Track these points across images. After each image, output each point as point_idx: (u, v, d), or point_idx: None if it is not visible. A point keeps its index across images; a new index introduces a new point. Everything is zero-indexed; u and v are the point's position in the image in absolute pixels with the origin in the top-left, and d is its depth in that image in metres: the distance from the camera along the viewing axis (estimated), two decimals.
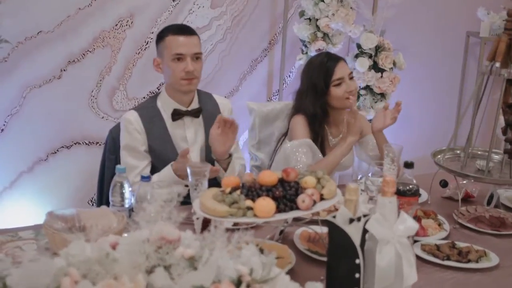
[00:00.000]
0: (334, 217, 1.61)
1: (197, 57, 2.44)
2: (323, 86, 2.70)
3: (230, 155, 2.47)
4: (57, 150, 3.49)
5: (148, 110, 2.49)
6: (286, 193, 1.73)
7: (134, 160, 2.42)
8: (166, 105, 2.49)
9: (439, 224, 2.19)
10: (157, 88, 3.66)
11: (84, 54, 3.44)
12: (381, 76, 3.79)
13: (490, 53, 2.25)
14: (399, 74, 3.87)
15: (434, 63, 4.45)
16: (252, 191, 1.74)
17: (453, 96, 4.62)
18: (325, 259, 1.86)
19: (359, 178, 2.35)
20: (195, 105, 2.52)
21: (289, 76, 4.07)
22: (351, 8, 3.66)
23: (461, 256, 1.94)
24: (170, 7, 3.59)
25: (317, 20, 3.64)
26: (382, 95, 3.86)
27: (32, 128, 3.40)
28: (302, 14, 3.72)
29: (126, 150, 2.44)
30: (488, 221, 2.25)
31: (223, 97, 2.73)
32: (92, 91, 3.51)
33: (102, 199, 2.61)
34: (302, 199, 1.70)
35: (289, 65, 4.04)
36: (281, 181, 1.78)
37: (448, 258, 1.94)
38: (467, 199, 2.49)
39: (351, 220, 1.60)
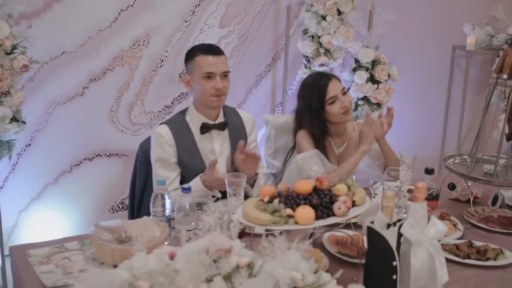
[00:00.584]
0: (372, 222, 1.60)
1: (225, 75, 2.43)
2: (317, 106, 2.65)
3: (256, 173, 2.47)
4: (80, 162, 3.45)
5: (177, 124, 2.47)
6: (322, 201, 1.72)
7: (165, 171, 2.40)
8: (194, 119, 2.48)
9: (454, 225, 2.20)
10: (171, 102, 3.64)
11: (104, 73, 3.41)
12: (377, 88, 3.80)
13: (497, 66, 2.26)
14: (393, 85, 3.88)
15: (423, 74, 4.49)
16: (290, 199, 1.73)
17: (440, 105, 4.66)
18: (355, 261, 1.87)
19: (371, 183, 2.34)
20: (221, 119, 2.51)
21: (291, 89, 4.07)
22: (350, 25, 3.67)
23: (479, 255, 1.95)
24: (183, 27, 3.58)
25: (319, 37, 3.64)
26: (378, 105, 3.87)
27: (57, 142, 3.37)
28: (305, 32, 3.72)
29: (158, 162, 2.42)
30: (497, 220, 2.27)
31: (246, 112, 2.72)
32: (112, 107, 3.48)
33: (134, 208, 2.59)
34: (338, 206, 1.70)
35: (291, 79, 4.04)
36: (315, 189, 1.78)
37: (468, 257, 1.94)
38: (473, 200, 2.49)
39: (388, 225, 1.59)
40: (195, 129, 2.47)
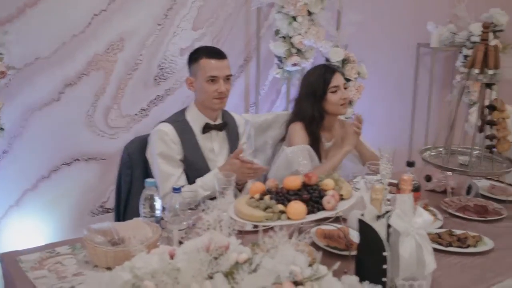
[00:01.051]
0: (362, 215, 1.64)
1: (227, 78, 2.47)
2: (321, 91, 2.81)
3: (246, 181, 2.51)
4: (58, 168, 3.41)
5: (180, 123, 2.51)
6: (311, 196, 1.76)
7: (170, 168, 2.43)
8: (196, 119, 2.52)
9: (434, 215, 2.26)
10: (147, 105, 3.63)
11: (79, 77, 3.38)
12: (348, 86, 3.86)
13: (469, 61, 2.34)
14: (363, 82, 3.95)
15: (391, 71, 4.59)
16: (281, 195, 1.77)
17: (408, 100, 4.77)
18: (345, 253, 1.91)
19: (351, 177, 2.40)
20: (220, 120, 2.57)
21: (263, 89, 4.11)
22: (320, 26, 3.72)
23: (460, 242, 2.01)
24: (156, 30, 3.57)
25: (291, 37, 3.68)
26: (349, 102, 3.93)
27: (34, 148, 3.31)
28: (277, 32, 3.75)
29: (162, 158, 2.43)
30: (473, 209, 2.34)
31: (236, 113, 2.77)
32: (88, 111, 3.45)
33: (120, 210, 2.59)
34: (328, 201, 1.74)
35: (263, 79, 4.08)
36: (304, 185, 1.81)
37: (450, 245, 2.01)
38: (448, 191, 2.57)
39: (378, 217, 1.63)
40: (196, 128, 2.52)
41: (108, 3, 3.36)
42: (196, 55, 2.50)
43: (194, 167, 2.46)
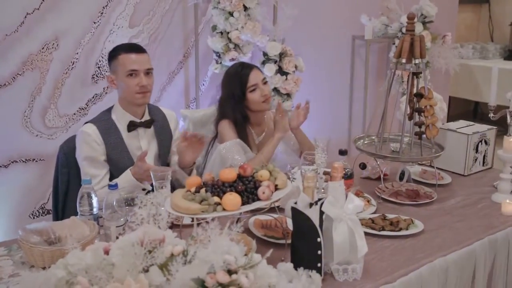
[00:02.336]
0: (295, 203, 1.67)
1: (148, 72, 2.45)
2: (239, 93, 2.76)
3: (194, 163, 2.49)
4: None
5: (104, 123, 2.46)
6: (246, 187, 1.77)
7: (95, 169, 2.38)
8: (121, 118, 2.48)
9: (368, 201, 2.32)
10: (86, 104, 3.57)
11: (14, 77, 3.29)
12: (286, 79, 3.91)
13: (396, 52, 2.40)
14: (301, 75, 4.00)
15: (328, 63, 4.66)
16: (216, 188, 1.77)
17: (345, 91, 4.86)
18: (281, 242, 1.94)
19: (289, 168, 2.42)
20: (147, 117, 2.54)
21: (203, 84, 4.10)
22: (256, 21, 3.74)
23: (393, 226, 2.07)
24: (92, 29, 3.51)
25: (228, 33, 3.69)
26: (288, 95, 3.99)
27: None
28: (214, 28, 3.76)
29: (86, 161, 2.39)
30: (405, 194, 2.42)
31: (169, 109, 2.74)
32: (25, 112, 3.36)
33: (58, 210, 2.54)
34: (262, 191, 1.76)
35: (203, 75, 4.07)
36: (239, 176, 1.83)
37: (383, 229, 2.06)
38: (383, 177, 2.63)
39: (311, 205, 1.67)
40: (121, 127, 2.47)
41: (40, 1, 3.28)
42: (114, 52, 2.46)
43: (119, 166, 2.41)
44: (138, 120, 2.49)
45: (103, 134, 2.41)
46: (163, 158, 2.59)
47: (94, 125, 2.43)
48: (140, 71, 2.40)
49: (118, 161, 2.42)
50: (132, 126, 2.47)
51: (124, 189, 2.06)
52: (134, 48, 2.47)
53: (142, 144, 2.50)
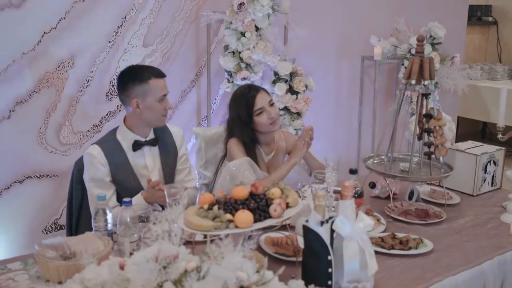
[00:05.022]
0: (306, 221, 1.69)
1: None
2: (246, 116, 2.74)
3: None
4: (10, 185, 3.36)
5: (109, 143, 2.49)
6: (258, 205, 1.79)
7: (100, 190, 2.40)
8: (125, 138, 2.50)
9: (377, 220, 2.33)
10: (99, 121, 3.61)
11: (30, 95, 3.35)
12: (296, 98, 3.94)
13: (406, 73, 2.42)
14: (311, 95, 4.03)
15: (337, 83, 4.70)
16: (229, 205, 1.79)
17: (354, 110, 4.88)
18: (292, 259, 1.95)
19: (299, 186, 2.44)
20: (151, 135, 2.56)
21: (215, 103, 4.14)
22: (268, 41, 3.78)
23: (402, 245, 2.08)
24: (107, 47, 3.57)
25: (240, 52, 3.73)
26: (298, 114, 4.01)
27: None
28: (226, 48, 3.80)
29: (92, 182, 2.43)
30: (415, 213, 2.42)
31: (176, 126, 2.77)
32: (40, 128, 3.41)
33: (72, 225, 2.57)
34: (274, 209, 1.78)
35: (214, 93, 4.11)
36: (251, 194, 1.85)
37: (393, 248, 2.07)
38: (392, 196, 2.64)
39: (322, 223, 1.68)
40: (126, 147, 2.50)
41: (57, 20, 3.34)
42: (143, 76, 2.46)
43: (124, 185, 2.45)
44: (143, 139, 2.52)
45: (107, 155, 2.44)
46: (168, 175, 2.62)
47: (99, 147, 2.46)
48: (166, 95, 2.49)
49: (123, 181, 2.45)
50: (136, 146, 2.50)
51: (135, 207, 2.08)
52: (162, 73, 2.54)
53: (148, 162, 2.54)
